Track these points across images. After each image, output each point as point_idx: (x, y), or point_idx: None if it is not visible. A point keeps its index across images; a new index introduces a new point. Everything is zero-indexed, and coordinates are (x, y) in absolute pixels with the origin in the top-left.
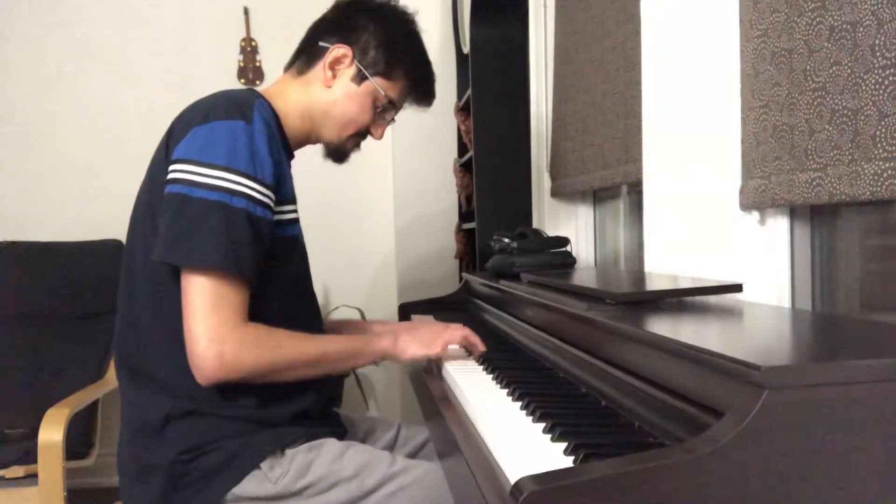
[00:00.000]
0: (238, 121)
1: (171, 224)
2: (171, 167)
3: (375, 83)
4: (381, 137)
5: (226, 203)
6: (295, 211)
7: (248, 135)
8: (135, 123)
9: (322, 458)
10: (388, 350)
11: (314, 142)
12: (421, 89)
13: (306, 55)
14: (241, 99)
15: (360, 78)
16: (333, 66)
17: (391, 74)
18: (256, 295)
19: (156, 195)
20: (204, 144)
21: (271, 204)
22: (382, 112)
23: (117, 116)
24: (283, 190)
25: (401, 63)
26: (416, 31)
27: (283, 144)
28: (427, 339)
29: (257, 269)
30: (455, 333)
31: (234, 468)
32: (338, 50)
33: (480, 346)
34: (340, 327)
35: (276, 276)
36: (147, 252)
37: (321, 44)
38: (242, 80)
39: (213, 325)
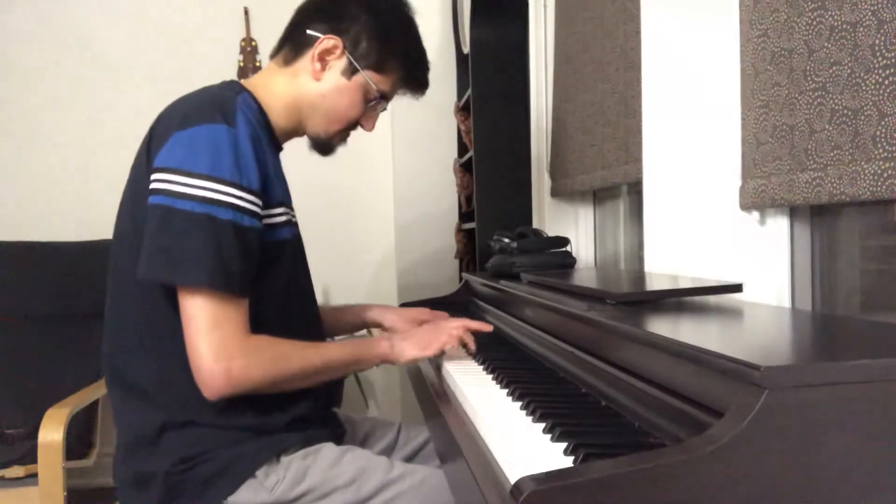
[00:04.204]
0: (220, 125)
1: (155, 238)
2: (153, 176)
3: (367, 76)
4: (372, 129)
5: (211, 215)
6: (285, 213)
7: (231, 139)
8: (134, 123)
9: (318, 464)
10: (387, 355)
11: (301, 134)
12: (414, 81)
13: (293, 43)
14: (223, 99)
15: (350, 71)
16: (323, 57)
17: (384, 67)
18: (249, 302)
19: (138, 203)
20: (185, 152)
21: (259, 211)
22: (374, 104)
23: (116, 116)
24: (270, 193)
25: (394, 55)
26: (411, 19)
27: (269, 139)
28: (423, 341)
29: (249, 279)
30: (452, 335)
31: (228, 477)
32: (328, 41)
33: (471, 345)
34: (338, 314)
35: (266, 282)
36: (133, 262)
37: (309, 32)
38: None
39: (217, 341)
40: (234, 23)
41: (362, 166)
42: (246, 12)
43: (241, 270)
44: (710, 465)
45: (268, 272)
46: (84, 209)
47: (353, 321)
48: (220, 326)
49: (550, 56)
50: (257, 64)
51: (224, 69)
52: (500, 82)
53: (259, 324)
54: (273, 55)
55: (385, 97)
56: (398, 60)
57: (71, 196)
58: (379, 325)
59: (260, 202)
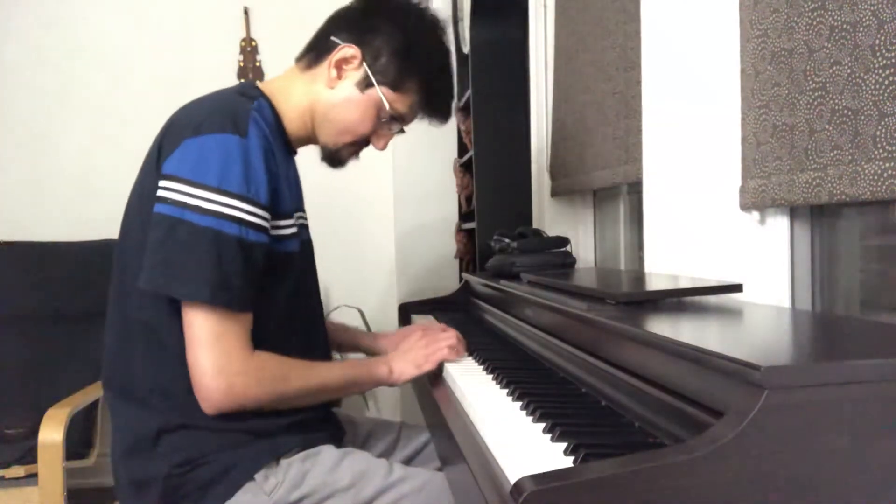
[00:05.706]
0: (231, 135)
1: (158, 249)
2: (161, 183)
3: (381, 93)
4: (383, 149)
5: (217, 230)
6: (293, 225)
7: (242, 150)
8: (134, 123)
9: (318, 467)
10: (385, 379)
11: (314, 142)
12: (434, 108)
13: (316, 48)
14: (237, 107)
15: (365, 84)
16: (339, 65)
17: (401, 86)
18: (252, 314)
19: (145, 204)
20: (195, 161)
21: (266, 225)
22: (387, 123)
23: (117, 116)
24: (280, 205)
25: (414, 76)
26: (441, 42)
27: (283, 146)
28: (420, 358)
29: (251, 295)
30: (445, 347)
31: (227, 481)
32: (347, 49)
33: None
34: (338, 332)
35: (269, 294)
36: (138, 264)
37: (332, 39)
38: (242, 81)
39: (220, 357)
40: (234, 23)
41: (362, 166)
42: (246, 12)
43: (243, 286)
44: (710, 465)
45: (272, 284)
46: (84, 209)
47: (348, 343)
48: (221, 342)
49: (550, 56)
50: (257, 64)
51: (224, 69)
52: (500, 82)
53: (261, 336)
54: (298, 59)
55: (400, 118)
56: (417, 82)
57: (71, 196)
58: (372, 352)
59: (268, 215)
